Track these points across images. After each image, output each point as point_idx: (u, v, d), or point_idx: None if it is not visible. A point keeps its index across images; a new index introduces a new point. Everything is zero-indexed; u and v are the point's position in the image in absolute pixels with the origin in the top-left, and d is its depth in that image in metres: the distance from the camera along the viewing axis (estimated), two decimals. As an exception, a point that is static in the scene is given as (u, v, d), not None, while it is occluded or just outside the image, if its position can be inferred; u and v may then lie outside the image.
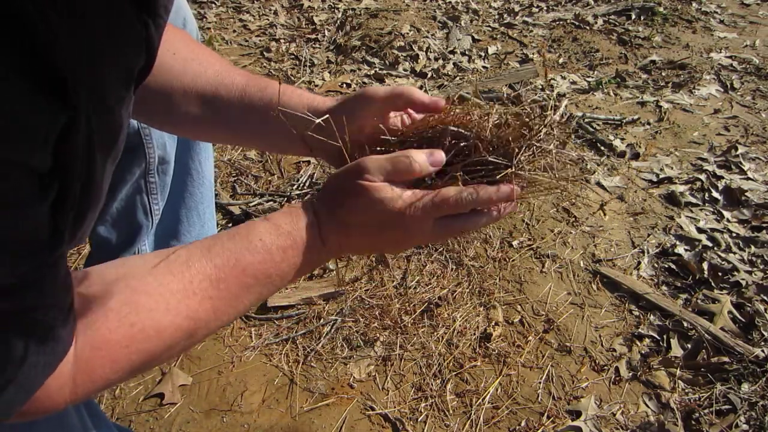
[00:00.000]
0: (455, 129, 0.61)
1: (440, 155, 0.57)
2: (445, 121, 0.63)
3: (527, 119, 0.61)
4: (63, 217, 0.36)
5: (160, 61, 0.62)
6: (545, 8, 3.14)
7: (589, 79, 2.40)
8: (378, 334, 1.28)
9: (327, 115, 0.62)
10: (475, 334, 1.29)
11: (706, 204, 1.71)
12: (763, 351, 1.24)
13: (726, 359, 1.24)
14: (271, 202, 1.62)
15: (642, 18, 2.99)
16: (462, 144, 0.61)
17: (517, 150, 0.59)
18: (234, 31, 2.75)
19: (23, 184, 0.31)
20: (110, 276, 0.47)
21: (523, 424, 1.13)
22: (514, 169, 0.59)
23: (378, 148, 0.64)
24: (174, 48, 0.66)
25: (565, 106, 0.59)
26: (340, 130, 0.61)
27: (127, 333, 0.44)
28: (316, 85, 2.29)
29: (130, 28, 0.39)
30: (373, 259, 1.46)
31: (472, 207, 0.57)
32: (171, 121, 0.72)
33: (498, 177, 0.59)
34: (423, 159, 0.56)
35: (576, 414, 1.16)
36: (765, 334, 1.29)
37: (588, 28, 2.87)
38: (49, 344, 0.38)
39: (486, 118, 0.61)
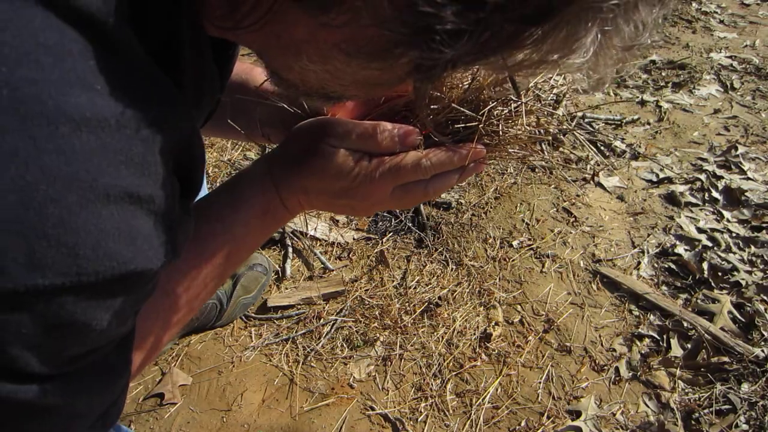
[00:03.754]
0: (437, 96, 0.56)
1: (413, 138, 0.53)
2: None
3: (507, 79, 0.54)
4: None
5: None
6: (545, 8, 3.14)
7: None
8: (378, 334, 1.28)
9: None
10: (475, 334, 1.29)
11: (706, 204, 1.71)
12: (763, 351, 1.24)
13: (726, 359, 1.24)
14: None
15: (642, 18, 2.98)
16: (433, 107, 0.55)
17: (490, 103, 0.54)
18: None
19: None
20: None
21: (523, 424, 1.13)
22: (482, 124, 0.53)
23: None
24: None
25: (558, 78, 0.53)
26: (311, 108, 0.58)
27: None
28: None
29: (214, 95, 0.48)
30: (374, 259, 1.46)
31: (433, 173, 0.54)
32: None
33: (465, 131, 0.54)
34: (391, 133, 0.52)
35: (576, 414, 1.16)
36: (765, 334, 1.29)
37: (588, 28, 2.87)
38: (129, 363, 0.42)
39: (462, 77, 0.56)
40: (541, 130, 0.57)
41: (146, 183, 0.31)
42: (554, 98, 0.58)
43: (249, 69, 0.67)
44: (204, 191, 1.15)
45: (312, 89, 0.41)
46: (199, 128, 0.48)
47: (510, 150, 0.57)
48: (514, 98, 0.55)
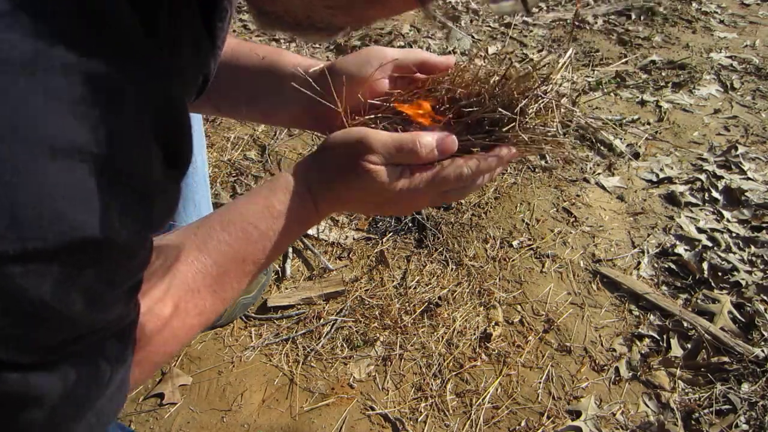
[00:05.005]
0: (461, 91, 0.59)
1: (451, 143, 0.54)
2: (452, 83, 0.61)
3: (532, 69, 0.57)
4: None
5: None
6: (545, 8, 3.14)
7: (589, 79, 2.40)
8: (378, 334, 1.28)
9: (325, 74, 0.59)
10: (475, 334, 1.29)
11: (706, 204, 1.71)
12: (763, 351, 1.24)
13: (726, 359, 1.24)
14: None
15: (642, 18, 2.99)
16: (464, 103, 0.58)
17: (522, 101, 0.56)
18: (234, 30, 2.75)
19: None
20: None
21: (523, 424, 1.13)
22: (518, 125, 0.55)
23: (378, 115, 0.60)
24: None
25: (570, 55, 0.56)
26: (338, 91, 0.59)
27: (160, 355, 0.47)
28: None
29: (204, 61, 0.46)
30: (374, 259, 1.46)
31: (472, 179, 0.55)
32: None
33: (504, 131, 0.56)
34: (431, 145, 0.53)
35: (576, 414, 1.16)
36: (765, 334, 1.29)
37: (588, 28, 2.88)
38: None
39: (491, 73, 0.59)
40: (565, 125, 0.58)
41: (104, 139, 0.27)
42: (573, 92, 0.60)
43: (278, 52, 0.67)
44: (204, 181, 1.15)
45: (299, 19, 0.40)
46: (186, 97, 0.45)
47: (543, 146, 0.59)
48: (541, 94, 0.56)
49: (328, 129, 0.62)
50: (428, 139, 0.53)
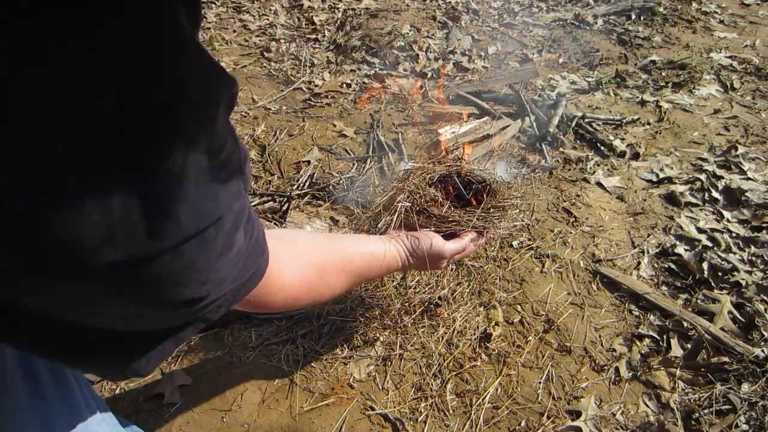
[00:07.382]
0: (478, 177, 1.15)
1: (475, 241, 1.05)
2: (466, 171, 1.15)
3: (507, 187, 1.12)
4: None
5: None
6: (545, 8, 3.14)
7: (589, 79, 2.40)
8: (378, 334, 1.28)
9: None
10: (475, 334, 1.29)
11: (706, 204, 1.71)
12: (763, 351, 1.24)
13: (726, 359, 1.24)
14: (271, 202, 1.62)
15: (642, 18, 2.99)
16: (480, 186, 1.13)
17: (512, 202, 1.08)
18: (234, 31, 2.75)
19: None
20: (303, 243, 0.73)
21: (523, 424, 1.13)
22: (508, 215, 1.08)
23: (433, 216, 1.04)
24: None
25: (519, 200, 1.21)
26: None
27: (316, 292, 0.72)
28: (316, 85, 2.29)
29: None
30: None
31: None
32: None
33: (499, 217, 1.07)
34: (472, 246, 1.04)
35: (576, 414, 1.15)
36: (765, 334, 1.29)
37: (588, 28, 2.88)
38: (261, 262, 0.53)
39: (505, 184, 1.13)
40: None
41: None
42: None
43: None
44: None
45: None
46: None
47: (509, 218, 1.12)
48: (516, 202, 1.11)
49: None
50: (467, 241, 1.02)
